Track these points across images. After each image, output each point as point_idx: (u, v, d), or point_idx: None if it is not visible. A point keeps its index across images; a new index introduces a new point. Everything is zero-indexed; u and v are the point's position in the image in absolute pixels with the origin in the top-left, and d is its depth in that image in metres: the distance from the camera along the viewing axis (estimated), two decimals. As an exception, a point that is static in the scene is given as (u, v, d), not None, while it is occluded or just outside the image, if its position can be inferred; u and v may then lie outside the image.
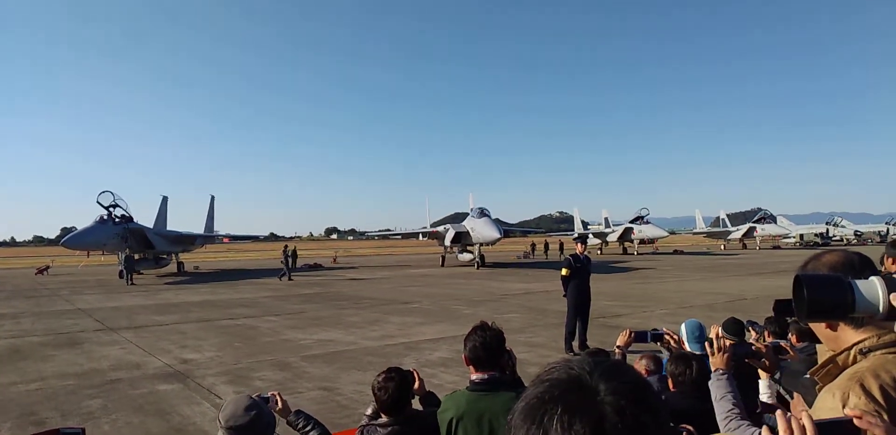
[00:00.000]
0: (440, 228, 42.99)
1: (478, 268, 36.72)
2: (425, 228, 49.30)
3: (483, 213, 37.68)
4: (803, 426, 1.16)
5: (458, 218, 47.60)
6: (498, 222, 37.62)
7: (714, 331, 2.93)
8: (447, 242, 39.72)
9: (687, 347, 4.38)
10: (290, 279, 29.44)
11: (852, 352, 1.61)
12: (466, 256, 40.30)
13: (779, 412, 1.19)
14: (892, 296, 1.39)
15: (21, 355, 11.24)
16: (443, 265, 40.33)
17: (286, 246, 32.80)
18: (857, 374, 1.54)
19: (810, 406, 2.14)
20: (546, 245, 55.79)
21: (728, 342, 2.81)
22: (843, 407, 1.45)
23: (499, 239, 36.25)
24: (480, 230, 35.99)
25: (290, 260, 30.94)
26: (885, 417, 1.42)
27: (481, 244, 37.86)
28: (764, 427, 1.32)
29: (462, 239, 38.89)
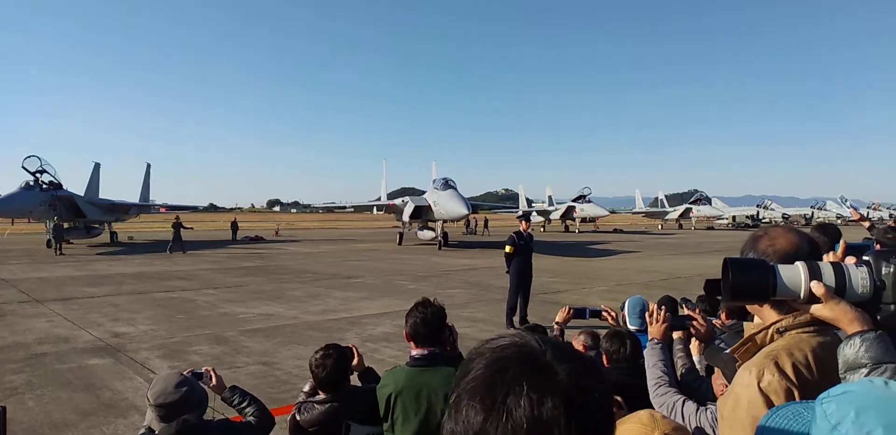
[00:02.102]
0: (398, 201, 38.36)
1: (440, 248, 32.21)
2: (379, 199, 44.48)
3: (448, 184, 33.00)
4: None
5: (406, 193, 45.13)
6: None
7: (652, 306, 3.04)
8: (405, 217, 35.13)
9: (629, 322, 4.49)
10: (183, 252, 28.41)
11: (770, 331, 1.66)
12: (427, 234, 36.46)
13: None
14: (812, 283, 1.44)
15: (-63, 328, 10.61)
16: (400, 243, 35.89)
17: (177, 217, 31.47)
18: (772, 352, 1.60)
19: (729, 380, 2.23)
20: (486, 221, 56.21)
21: (666, 314, 2.93)
22: (758, 383, 1.52)
23: (467, 215, 32.40)
24: (445, 205, 31.56)
25: (180, 232, 29.75)
26: (797, 393, 1.49)
27: (445, 221, 34.06)
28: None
29: (423, 214, 34.59)
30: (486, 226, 55.35)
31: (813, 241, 1.77)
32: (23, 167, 30.76)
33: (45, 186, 31.22)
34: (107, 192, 40.02)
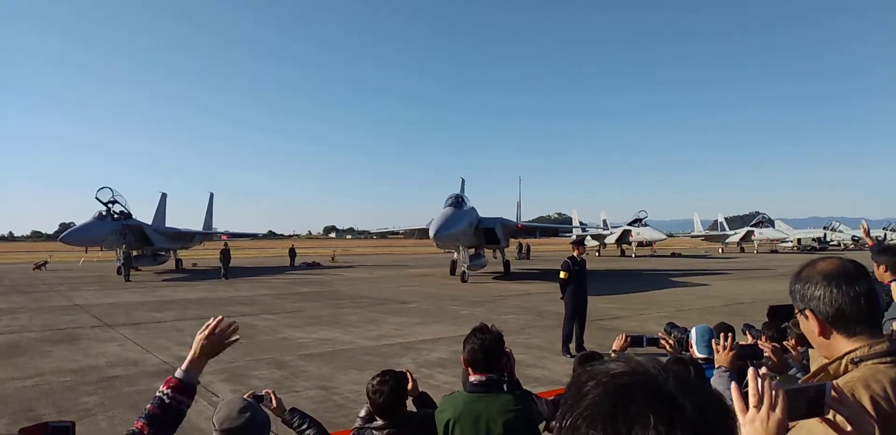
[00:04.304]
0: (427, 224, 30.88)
1: (463, 281, 26.42)
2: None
3: (450, 202, 27.01)
4: (773, 391, 1.18)
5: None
6: (461, 215, 26.21)
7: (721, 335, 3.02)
8: (436, 244, 28.14)
9: (695, 350, 4.38)
10: (226, 278, 29.38)
11: (843, 361, 1.60)
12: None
13: (751, 372, 1.20)
14: None
15: (18, 351, 11.23)
16: (452, 273, 30.60)
17: (225, 244, 33.32)
18: (847, 384, 1.53)
19: None
20: (521, 246, 52.94)
21: (734, 342, 2.89)
22: (834, 418, 1.45)
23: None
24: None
25: (227, 260, 31.16)
26: (876, 428, 1.42)
27: (473, 247, 28.81)
28: (733, 385, 1.33)
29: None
30: (521, 250, 51.82)
31: (857, 263, 1.73)
32: (96, 198, 32.44)
33: (116, 216, 32.82)
34: (172, 220, 41.81)
